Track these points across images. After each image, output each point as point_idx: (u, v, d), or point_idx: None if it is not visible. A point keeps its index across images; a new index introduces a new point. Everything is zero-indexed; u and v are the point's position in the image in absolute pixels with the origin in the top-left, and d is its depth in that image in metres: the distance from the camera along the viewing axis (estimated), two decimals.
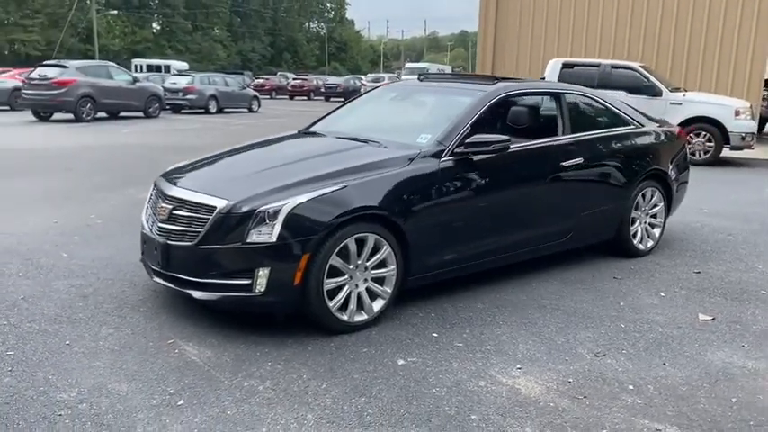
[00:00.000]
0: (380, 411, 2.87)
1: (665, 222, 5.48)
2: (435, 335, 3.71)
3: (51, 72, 17.57)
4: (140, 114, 19.85)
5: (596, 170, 4.83)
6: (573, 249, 5.12)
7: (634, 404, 2.99)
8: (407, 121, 4.63)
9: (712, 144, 11.63)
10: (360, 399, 2.98)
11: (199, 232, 3.52)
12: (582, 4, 15.11)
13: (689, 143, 11.69)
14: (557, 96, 4.86)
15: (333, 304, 3.57)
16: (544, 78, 12.05)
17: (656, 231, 5.42)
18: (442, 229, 3.98)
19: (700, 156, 11.69)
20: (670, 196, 5.45)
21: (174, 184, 3.88)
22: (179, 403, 2.89)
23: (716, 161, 11.67)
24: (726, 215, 7.13)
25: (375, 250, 3.70)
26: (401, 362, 3.36)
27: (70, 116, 17.81)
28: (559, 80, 12.13)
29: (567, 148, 4.66)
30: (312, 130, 4.92)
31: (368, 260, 3.68)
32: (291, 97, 39.54)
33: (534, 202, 4.48)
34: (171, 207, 3.71)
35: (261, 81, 39.80)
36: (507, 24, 15.34)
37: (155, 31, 68.38)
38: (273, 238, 3.39)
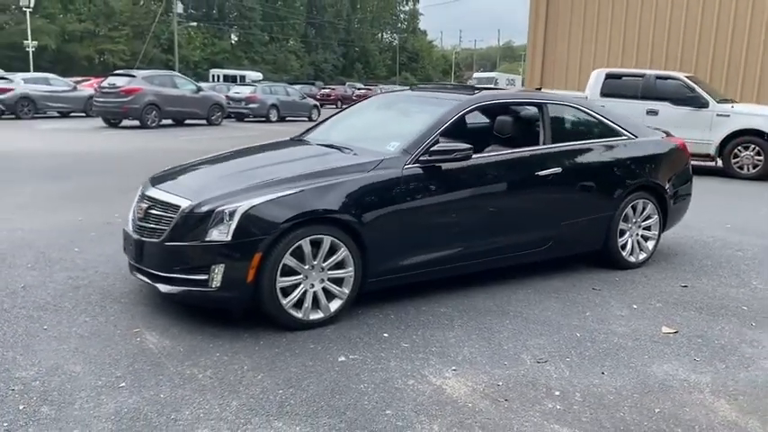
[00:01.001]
0: (302, 402, 3.03)
1: (659, 235, 5.40)
2: (386, 335, 3.84)
3: (120, 81, 18.62)
4: (203, 122, 20.73)
5: (578, 180, 4.83)
6: (561, 259, 5.14)
7: (552, 410, 3.04)
8: (384, 130, 4.78)
9: (761, 158, 11.17)
10: (288, 390, 3.15)
11: (165, 230, 3.79)
12: (633, 15, 14.82)
13: (736, 156, 11.31)
14: (539, 106, 4.90)
15: (287, 302, 3.76)
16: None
17: (650, 244, 5.35)
18: (403, 234, 4.11)
19: (748, 170, 11.26)
20: (665, 209, 5.36)
21: (153, 184, 4.18)
22: (120, 385, 3.14)
23: (766, 175, 11.19)
24: (747, 231, 6.90)
25: (332, 252, 3.87)
26: (342, 359, 3.51)
27: (137, 123, 18.82)
28: (602, 91, 11.99)
29: (544, 157, 4.70)
30: (301, 137, 5.14)
31: (324, 261, 3.85)
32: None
33: (505, 210, 4.54)
34: (146, 206, 4.00)
35: (327, 91, 40.64)
36: (556, 36, 15.20)
37: (233, 42, 70.87)
38: (228, 237, 3.62)
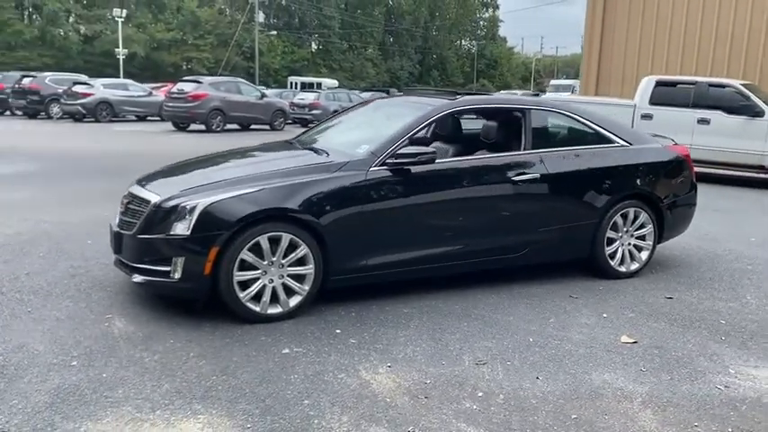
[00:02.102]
0: (228, 389, 3.20)
1: (654, 246, 5.25)
2: (338, 331, 3.96)
3: (188, 87, 19.52)
4: (266, 127, 21.41)
5: (557, 187, 4.79)
6: (550, 265, 5.11)
7: (468, 409, 3.07)
8: (364, 133, 4.88)
9: None
10: (221, 377, 3.32)
11: (137, 223, 4.05)
12: (693, 22, 14.26)
13: None
14: (522, 112, 4.89)
15: (244, 295, 3.94)
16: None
17: (644, 254, 5.21)
18: (368, 234, 4.22)
19: None
20: (661, 219, 5.22)
21: (137, 182, 4.46)
22: (72, 364, 3.40)
23: None
24: None
25: (293, 249, 4.02)
26: (285, 351, 3.66)
27: (203, 127, 19.66)
28: (651, 99, 11.65)
29: (519, 163, 4.69)
30: (293, 139, 5.33)
31: (284, 258, 4.01)
32: None
33: (476, 214, 4.56)
34: (126, 201, 4.29)
35: None
36: (613, 43, 14.83)
37: (312, 50, 72.53)
38: (188, 232, 3.84)
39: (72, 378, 3.25)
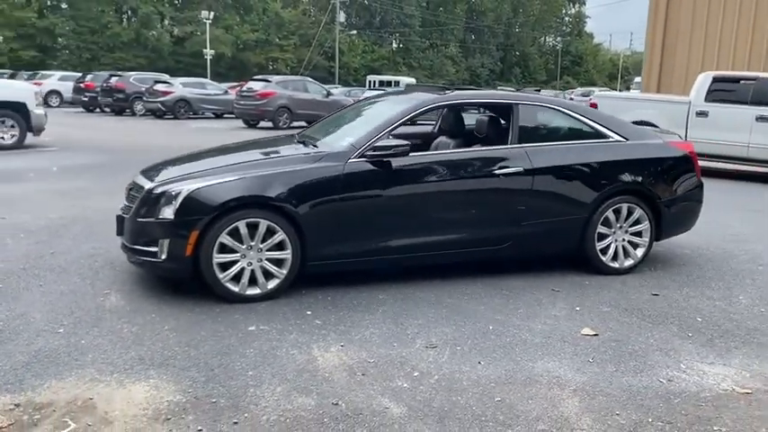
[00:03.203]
0: (186, 358, 3.49)
1: (650, 243, 5.18)
2: (309, 313, 4.19)
3: (257, 85, 20.29)
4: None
5: (543, 181, 4.82)
6: (546, 259, 5.17)
7: (397, 387, 3.23)
8: (355, 126, 5.07)
9: None
10: (184, 348, 3.62)
11: (133, 207, 4.43)
12: (764, 14, 13.56)
13: None
14: (510, 107, 4.96)
15: (223, 276, 4.23)
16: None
17: (639, 251, 5.16)
18: (344, 223, 4.42)
19: None
20: (659, 216, 5.15)
21: (140, 171, 4.85)
22: (58, 331, 3.79)
23: None
24: None
25: (271, 235, 4.29)
26: (252, 328, 3.93)
27: (271, 124, 20.37)
28: (708, 95, 11.25)
29: (504, 156, 4.76)
30: (297, 133, 5.60)
31: (262, 243, 4.28)
32: None
33: (456, 207, 4.68)
34: (129, 188, 4.68)
35: None
36: (677, 39, 14.30)
37: (393, 48, 73.10)
38: (172, 216, 4.17)
39: (54, 343, 3.63)
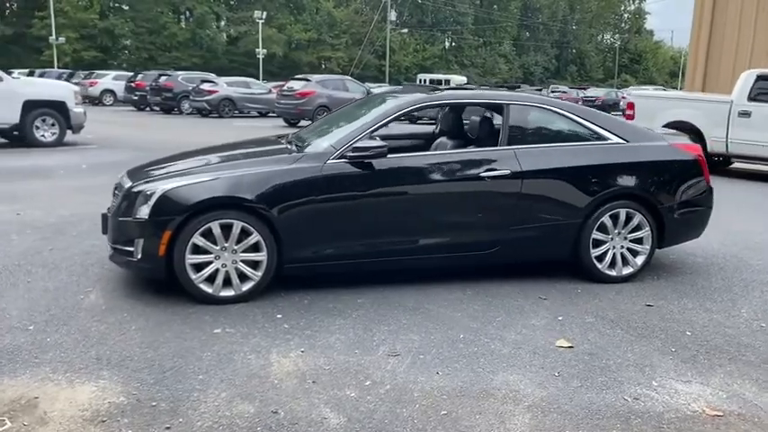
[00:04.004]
0: (142, 360, 3.47)
1: (652, 250, 4.92)
2: (279, 316, 4.14)
3: (297, 85, 20.46)
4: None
5: (533, 184, 4.63)
6: (544, 265, 5.00)
7: (344, 396, 3.14)
8: (341, 126, 4.97)
9: None
10: (144, 349, 3.61)
11: (115, 206, 4.46)
12: None
13: None
14: (501, 107, 4.79)
15: (196, 277, 4.22)
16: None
17: (639, 259, 4.90)
18: (322, 225, 4.35)
19: None
20: (661, 222, 4.89)
21: (126, 171, 4.88)
22: (29, 328, 3.84)
23: None
24: None
25: (246, 236, 4.25)
26: (217, 330, 3.89)
27: (310, 122, 20.51)
28: (750, 94, 10.72)
29: (490, 158, 4.60)
30: (288, 134, 5.53)
31: (236, 244, 4.25)
32: None
33: (441, 209, 4.54)
34: (115, 187, 4.73)
35: None
36: (723, 36, 13.66)
37: (445, 47, 72.73)
38: (146, 216, 4.18)
39: (20, 339, 3.68)
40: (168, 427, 2.84)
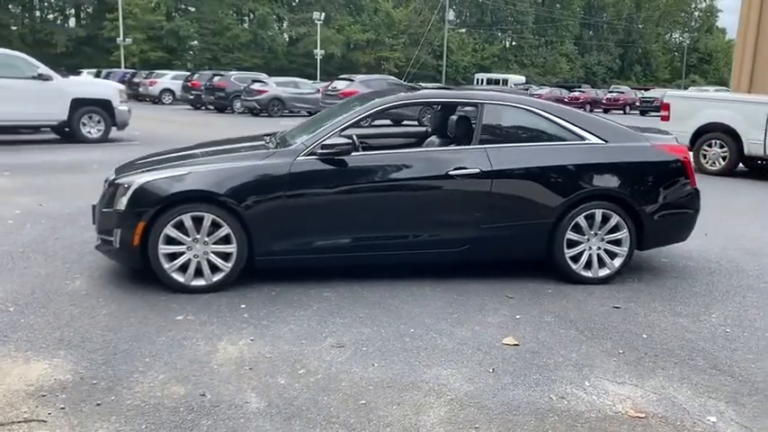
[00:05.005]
0: (100, 341, 3.68)
1: (630, 252, 4.84)
2: (243, 306, 4.29)
3: (340, 85, 20.78)
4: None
5: (504, 183, 4.63)
6: (518, 264, 5.01)
7: (273, 383, 3.26)
8: (319, 124, 5.08)
9: None
10: (105, 333, 3.82)
11: (101, 198, 4.73)
12: None
13: None
14: (475, 106, 4.81)
15: (169, 267, 4.42)
16: None
17: (617, 261, 4.83)
18: (291, 219, 4.48)
19: None
20: (640, 224, 4.80)
21: (117, 166, 5.14)
22: (9, 309, 4.12)
23: None
24: None
25: (217, 228, 4.43)
26: (179, 318, 4.08)
27: None
28: None
29: (460, 156, 4.63)
30: (276, 132, 5.69)
31: (208, 236, 4.43)
32: (606, 111, 38.10)
33: (409, 206, 4.59)
34: (105, 179, 4.99)
35: (576, 94, 39.37)
36: None
37: (506, 46, 71.98)
38: (123, 207, 4.41)
39: (5, 320, 3.94)
40: (99, 404, 3.03)
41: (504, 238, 4.72)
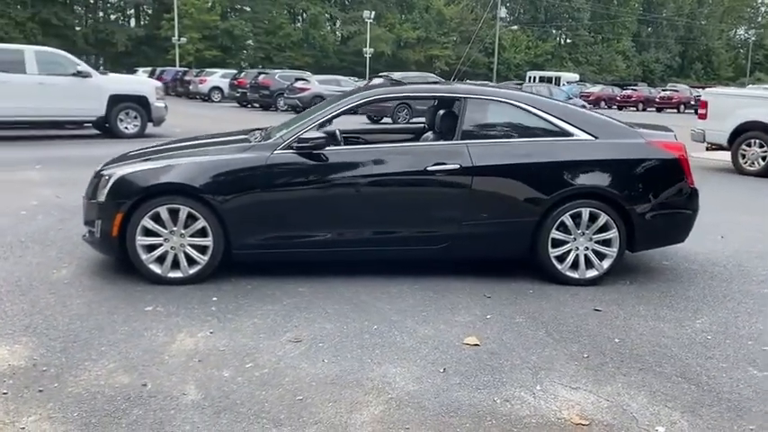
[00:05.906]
0: (63, 328, 3.75)
1: (620, 253, 4.64)
2: (215, 299, 4.30)
3: (378, 82, 20.65)
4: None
5: (485, 180, 4.50)
6: (503, 263, 4.89)
7: (215, 376, 3.25)
8: (302, 119, 5.04)
9: None
10: (72, 321, 3.89)
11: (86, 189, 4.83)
12: None
13: None
14: (459, 101, 4.70)
15: (146, 258, 4.47)
16: None
17: (606, 263, 4.64)
18: (267, 213, 4.47)
19: None
20: (631, 225, 4.60)
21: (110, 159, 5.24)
22: None
23: None
24: None
25: (194, 221, 4.46)
26: (148, 308, 4.11)
27: (390, 120, 20.74)
28: None
29: (440, 152, 4.53)
30: (268, 126, 5.68)
31: (184, 228, 4.46)
32: (659, 110, 36.93)
33: (387, 202, 4.52)
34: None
35: (628, 92, 38.33)
36: None
37: (560, 43, 70.64)
38: (103, 199, 4.49)
39: None
40: (41, 390, 3.07)
41: (485, 236, 4.60)
